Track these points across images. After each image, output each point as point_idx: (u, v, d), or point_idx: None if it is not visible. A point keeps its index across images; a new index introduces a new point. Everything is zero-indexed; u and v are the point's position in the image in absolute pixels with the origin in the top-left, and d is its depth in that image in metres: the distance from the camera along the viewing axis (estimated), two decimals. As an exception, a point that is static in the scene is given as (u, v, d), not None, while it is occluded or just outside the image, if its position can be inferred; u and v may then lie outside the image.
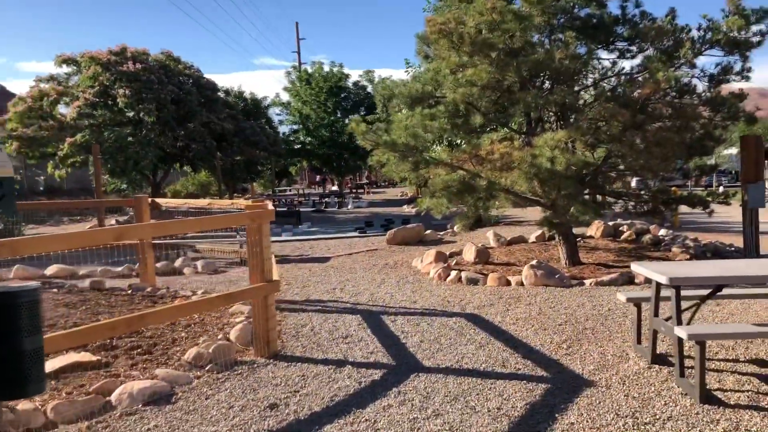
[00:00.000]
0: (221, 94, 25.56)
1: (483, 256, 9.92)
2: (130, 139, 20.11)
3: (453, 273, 8.75)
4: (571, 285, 7.96)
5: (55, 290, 8.29)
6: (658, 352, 4.91)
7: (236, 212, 5.32)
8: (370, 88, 34.44)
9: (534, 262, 8.30)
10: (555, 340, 5.64)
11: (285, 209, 24.27)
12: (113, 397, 4.46)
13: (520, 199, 9.74)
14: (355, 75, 37.18)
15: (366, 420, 4.04)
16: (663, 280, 4.23)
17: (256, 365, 5.25)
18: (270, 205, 6.29)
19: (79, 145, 19.35)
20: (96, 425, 4.07)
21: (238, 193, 38.73)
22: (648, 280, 7.74)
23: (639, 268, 4.74)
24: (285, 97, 35.85)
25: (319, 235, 16.20)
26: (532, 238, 12.00)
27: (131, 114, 20.59)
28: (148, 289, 8.53)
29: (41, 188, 29.48)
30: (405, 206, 25.48)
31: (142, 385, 4.59)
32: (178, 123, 21.45)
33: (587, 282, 8.01)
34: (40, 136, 20.09)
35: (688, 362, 4.38)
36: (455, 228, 9.65)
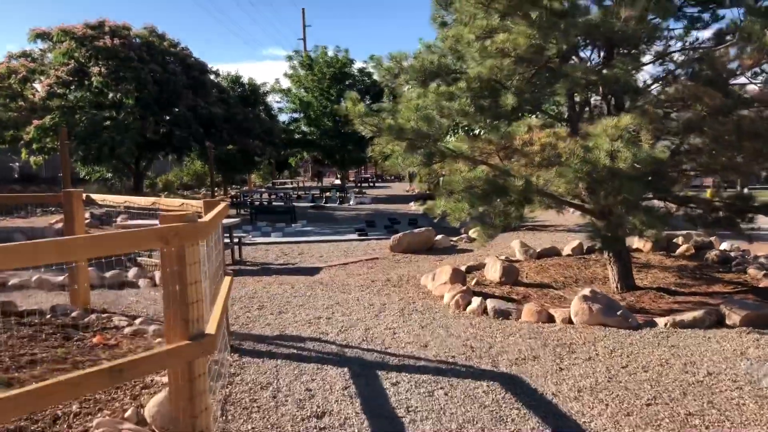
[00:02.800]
0: (212, 77, 23.29)
1: (510, 274, 7.82)
2: (107, 123, 18.00)
3: (476, 301, 6.63)
4: (639, 326, 5.82)
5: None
6: None
7: (148, 228, 3.20)
8: (376, 75, 31.87)
9: (587, 291, 6.16)
10: (653, 441, 3.53)
11: (281, 205, 22.17)
12: None
13: (556, 202, 7.66)
14: (362, 64, 34.34)
15: None
16: None
17: (168, 478, 3.18)
18: (211, 214, 4.20)
19: (47, 128, 17.22)
20: None
21: (237, 184, 36.59)
22: (748, 323, 5.59)
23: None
24: (286, 83, 33.55)
25: (313, 236, 14.06)
26: (567, 249, 9.87)
27: (111, 96, 18.48)
28: (74, 314, 6.45)
29: (15, 175, 27.30)
30: (412, 203, 23.22)
31: None
32: (160, 106, 19.26)
33: (660, 322, 5.86)
34: (7, 118, 17.98)
35: None
36: (475, 236, 7.51)
